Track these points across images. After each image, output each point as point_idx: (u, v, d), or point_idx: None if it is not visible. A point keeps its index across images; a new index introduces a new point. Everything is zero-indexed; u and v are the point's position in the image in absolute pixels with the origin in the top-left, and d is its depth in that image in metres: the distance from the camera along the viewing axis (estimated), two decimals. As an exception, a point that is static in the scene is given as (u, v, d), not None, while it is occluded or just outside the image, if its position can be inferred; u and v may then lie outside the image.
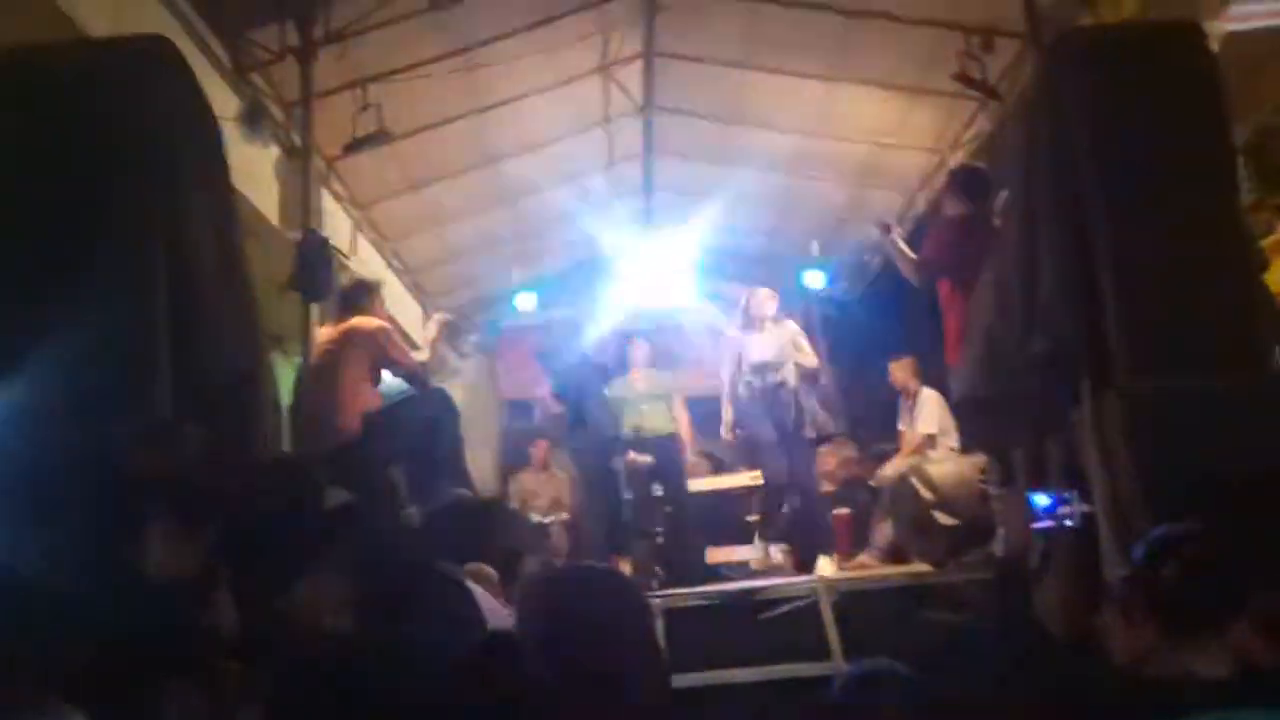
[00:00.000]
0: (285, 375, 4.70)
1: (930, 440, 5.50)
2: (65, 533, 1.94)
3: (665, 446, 5.41)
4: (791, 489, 5.48)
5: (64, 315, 2.19)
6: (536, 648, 1.80)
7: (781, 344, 5.27)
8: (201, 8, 4.07)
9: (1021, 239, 2.72)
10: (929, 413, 5.57)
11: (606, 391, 5.64)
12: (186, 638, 1.89)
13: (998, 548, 3.56)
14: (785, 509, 5.61)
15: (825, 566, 4.97)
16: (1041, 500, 2.38)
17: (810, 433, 5.22)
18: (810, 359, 5.34)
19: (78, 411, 2.11)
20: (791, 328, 5.45)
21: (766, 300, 5.37)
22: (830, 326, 7.98)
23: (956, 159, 5.63)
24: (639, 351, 5.59)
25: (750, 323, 5.34)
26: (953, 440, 5.42)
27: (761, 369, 5.19)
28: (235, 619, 2.07)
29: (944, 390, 5.00)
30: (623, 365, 5.63)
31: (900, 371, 5.86)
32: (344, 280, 4.61)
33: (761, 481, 5.59)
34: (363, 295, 4.43)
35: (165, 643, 1.81)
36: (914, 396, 5.73)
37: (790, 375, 5.20)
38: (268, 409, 2.54)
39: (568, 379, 5.77)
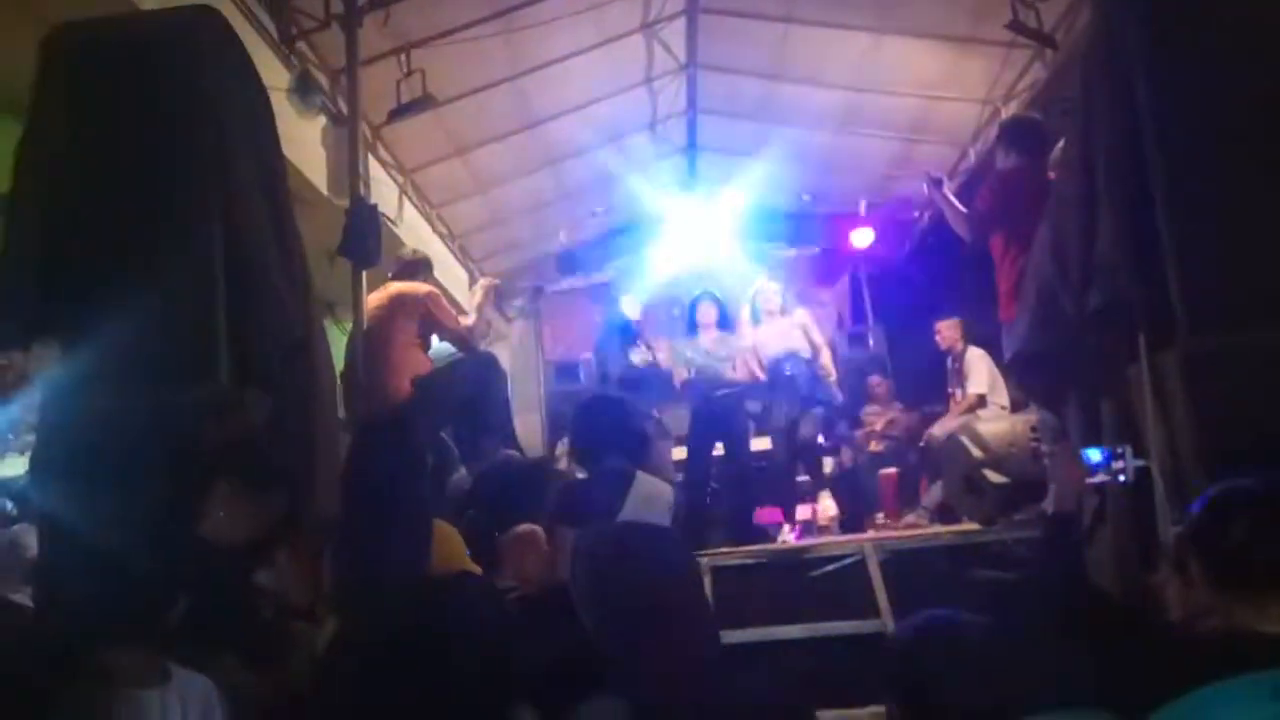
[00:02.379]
0: (337, 341, 4.80)
1: (980, 399, 5.45)
2: (132, 499, 2.01)
3: (730, 402, 5.43)
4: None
5: (123, 286, 2.25)
6: (587, 603, 1.84)
7: (788, 336, 5.30)
8: (247, -23, 4.11)
9: (1078, 191, 2.64)
10: (978, 372, 5.52)
11: (632, 355, 5.73)
12: (251, 599, 1.95)
13: (1049, 505, 3.52)
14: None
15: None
16: (1094, 456, 2.34)
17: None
18: (815, 346, 5.36)
19: (140, 381, 2.18)
20: (800, 317, 5.46)
21: (771, 295, 5.42)
22: (877, 285, 7.89)
23: (1010, 110, 5.48)
24: (707, 313, 5.60)
25: (757, 317, 5.45)
26: (1002, 398, 5.37)
27: (775, 363, 5.25)
28: (302, 581, 2.14)
29: (994, 348, 4.94)
30: (692, 326, 5.65)
31: (947, 331, 5.80)
32: (401, 253, 4.72)
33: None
34: (414, 270, 4.55)
35: (231, 604, 1.88)
36: (961, 356, 5.68)
37: (798, 366, 5.27)
38: (324, 375, 2.60)
39: (600, 339, 5.96)
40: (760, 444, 6.24)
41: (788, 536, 5.07)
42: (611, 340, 6.09)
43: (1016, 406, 5.11)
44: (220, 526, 1.92)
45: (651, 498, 2.70)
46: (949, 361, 5.83)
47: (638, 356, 6.09)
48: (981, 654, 1.52)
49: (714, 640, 2.18)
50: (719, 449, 5.37)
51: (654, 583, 1.84)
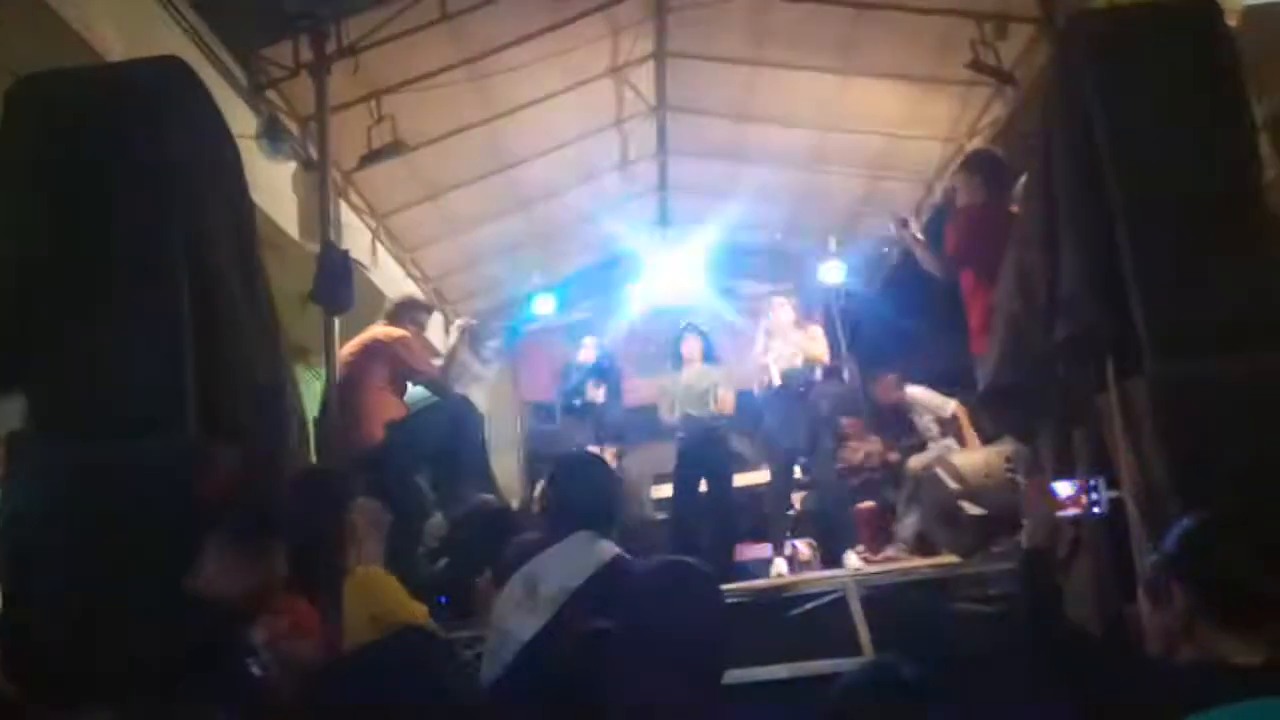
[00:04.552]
0: (310, 387, 4.75)
1: (954, 418, 5.58)
2: (98, 553, 1.97)
3: (711, 433, 5.42)
4: (812, 487, 5.54)
5: (89, 336, 2.22)
6: (621, 637, 1.80)
7: (805, 349, 5.32)
8: (217, 28, 4.12)
9: (1042, 224, 2.69)
10: (929, 402, 5.74)
11: (588, 394, 5.93)
12: (232, 653, 1.91)
13: (1024, 538, 3.52)
14: (795, 510, 5.68)
15: (852, 560, 4.97)
16: (1067, 488, 2.34)
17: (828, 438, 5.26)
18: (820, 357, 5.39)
19: (107, 433, 2.14)
20: (814, 334, 5.49)
21: (784, 309, 5.45)
22: (849, 320, 7.95)
23: (973, 146, 5.59)
24: (691, 347, 5.62)
25: (774, 331, 5.42)
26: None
27: (790, 376, 5.23)
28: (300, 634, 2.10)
29: (972, 381, 5.01)
30: (677, 360, 5.66)
31: (883, 392, 5.96)
32: (389, 299, 4.75)
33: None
34: (398, 313, 4.54)
35: (210, 658, 1.83)
36: (908, 403, 5.85)
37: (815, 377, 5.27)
38: (293, 422, 2.57)
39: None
40: (741, 480, 6.24)
41: (782, 569, 5.04)
42: (566, 378, 6.30)
43: (989, 438, 5.15)
44: (202, 582, 1.88)
45: (539, 578, 2.36)
46: (903, 413, 5.96)
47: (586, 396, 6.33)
48: (920, 705, 1.51)
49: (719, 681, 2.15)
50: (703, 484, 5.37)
51: (690, 620, 1.82)
